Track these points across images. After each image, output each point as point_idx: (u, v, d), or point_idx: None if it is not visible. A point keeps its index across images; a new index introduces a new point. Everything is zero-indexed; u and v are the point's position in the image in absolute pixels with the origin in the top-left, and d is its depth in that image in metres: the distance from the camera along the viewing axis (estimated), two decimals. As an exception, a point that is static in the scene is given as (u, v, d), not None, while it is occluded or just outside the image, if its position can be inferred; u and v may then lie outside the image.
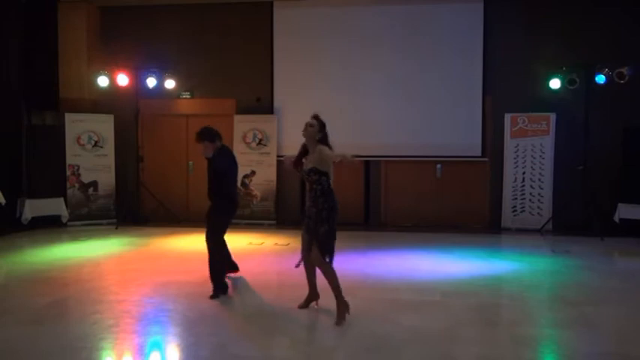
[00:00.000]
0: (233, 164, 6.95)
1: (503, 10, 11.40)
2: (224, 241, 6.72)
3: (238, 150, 12.04)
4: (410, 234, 10.82)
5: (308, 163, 5.45)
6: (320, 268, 5.45)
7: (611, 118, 10.90)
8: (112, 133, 11.90)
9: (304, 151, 5.60)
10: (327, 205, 5.37)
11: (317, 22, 12.00)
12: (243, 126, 12.04)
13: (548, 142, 11.12)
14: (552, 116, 11.10)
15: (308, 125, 5.51)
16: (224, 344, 4.86)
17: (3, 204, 10.02)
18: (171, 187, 12.47)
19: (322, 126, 5.49)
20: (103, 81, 11.70)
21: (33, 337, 4.97)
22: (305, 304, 5.84)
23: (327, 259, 5.39)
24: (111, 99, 12.06)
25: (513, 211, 11.31)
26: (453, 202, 11.70)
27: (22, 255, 8.85)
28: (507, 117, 11.31)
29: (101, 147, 11.84)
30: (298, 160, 5.62)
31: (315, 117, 5.53)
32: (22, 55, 11.54)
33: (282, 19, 12.07)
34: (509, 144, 11.32)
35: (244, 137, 12.01)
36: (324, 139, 5.46)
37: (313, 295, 5.86)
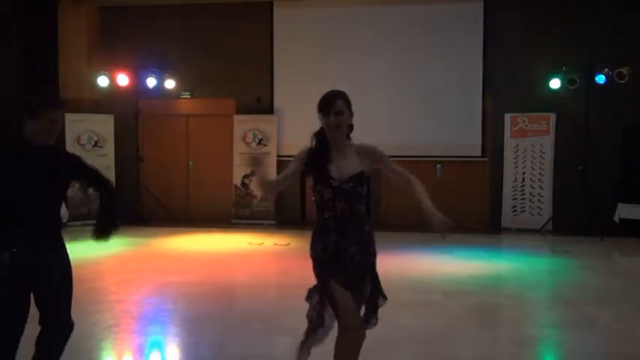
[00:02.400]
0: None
1: (503, 10, 11.39)
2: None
3: (238, 150, 12.05)
4: (410, 234, 10.81)
5: (346, 168, 3.35)
6: (358, 343, 3.46)
7: (611, 118, 10.89)
8: (112, 133, 11.89)
9: (322, 152, 3.36)
10: (372, 235, 3.50)
11: (317, 22, 12.00)
12: (243, 126, 12.04)
13: (548, 142, 11.12)
14: (552, 116, 11.10)
15: (333, 113, 3.27)
16: (224, 344, 4.85)
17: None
18: (172, 187, 12.46)
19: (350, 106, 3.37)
20: (103, 81, 11.70)
21: (33, 338, 4.95)
22: None
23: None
24: (111, 99, 12.05)
25: (513, 211, 11.30)
26: (453, 202, 11.62)
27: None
28: (507, 117, 11.30)
29: (101, 147, 11.83)
30: (318, 165, 3.35)
31: (338, 96, 3.32)
32: (22, 55, 11.53)
33: (282, 19, 12.07)
34: (509, 144, 11.31)
35: (244, 137, 12.01)
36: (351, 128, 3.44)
37: None
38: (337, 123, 3.29)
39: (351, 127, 3.43)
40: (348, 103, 3.36)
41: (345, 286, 3.29)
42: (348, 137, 3.43)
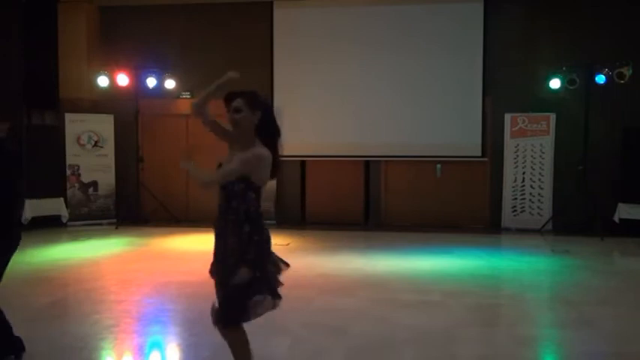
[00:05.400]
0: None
1: (503, 9, 11.39)
2: None
3: (238, 150, 12.06)
4: (410, 234, 10.81)
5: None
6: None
7: (611, 118, 10.89)
8: (112, 133, 11.90)
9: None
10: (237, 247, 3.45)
11: (317, 22, 11.99)
12: (243, 126, 12.02)
13: (548, 142, 11.12)
14: (552, 116, 11.10)
15: (233, 111, 3.40)
16: (224, 344, 4.85)
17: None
18: (171, 187, 12.46)
19: (258, 104, 3.40)
20: (103, 81, 11.70)
21: (33, 337, 4.96)
22: None
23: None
24: (111, 99, 12.06)
25: (513, 211, 11.31)
26: (453, 202, 11.69)
27: (22, 255, 8.82)
28: (507, 117, 11.31)
29: (101, 147, 11.84)
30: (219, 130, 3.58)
31: (242, 96, 3.38)
32: (22, 55, 11.53)
33: (282, 19, 12.06)
34: (509, 144, 11.31)
35: (244, 137, 12.00)
36: (266, 130, 3.40)
37: None
38: (233, 120, 3.36)
39: (264, 127, 3.34)
40: (250, 103, 3.35)
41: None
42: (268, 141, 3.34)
